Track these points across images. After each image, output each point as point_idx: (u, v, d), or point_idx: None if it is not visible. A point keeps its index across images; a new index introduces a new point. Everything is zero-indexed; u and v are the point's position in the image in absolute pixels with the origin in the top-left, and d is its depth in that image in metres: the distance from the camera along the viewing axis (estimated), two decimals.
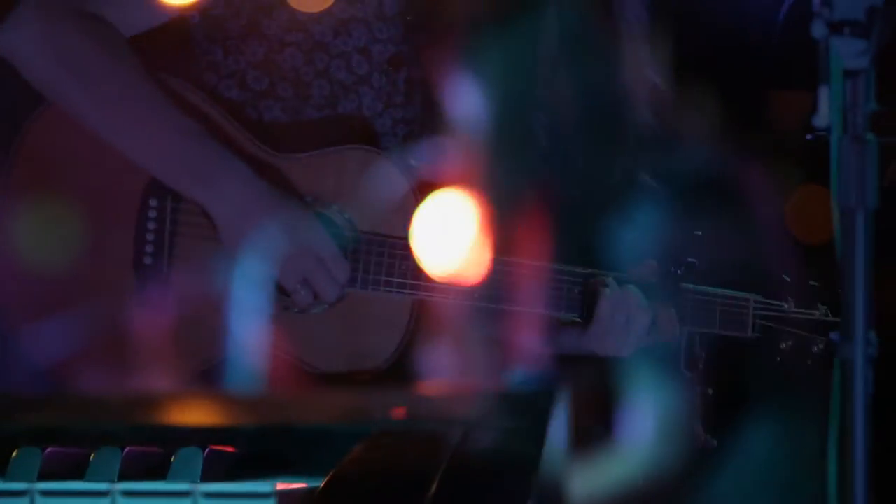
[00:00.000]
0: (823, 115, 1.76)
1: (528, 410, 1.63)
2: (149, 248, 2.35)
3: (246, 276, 2.31)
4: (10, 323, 2.38)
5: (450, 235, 2.32)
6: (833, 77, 1.74)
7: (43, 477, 1.41)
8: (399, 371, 2.34)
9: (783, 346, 2.33)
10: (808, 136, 1.81)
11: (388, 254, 2.36)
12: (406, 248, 2.34)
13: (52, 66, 2.33)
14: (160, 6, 2.36)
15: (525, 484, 1.34)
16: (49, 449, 1.43)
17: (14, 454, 1.43)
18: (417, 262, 2.34)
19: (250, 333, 2.31)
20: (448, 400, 1.70)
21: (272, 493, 1.41)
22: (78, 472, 1.41)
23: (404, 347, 2.36)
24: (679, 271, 2.35)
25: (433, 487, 1.30)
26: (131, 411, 1.64)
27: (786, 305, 2.35)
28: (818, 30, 1.72)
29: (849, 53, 1.74)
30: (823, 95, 1.75)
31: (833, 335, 1.74)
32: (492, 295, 2.36)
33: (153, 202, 2.36)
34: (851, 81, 1.75)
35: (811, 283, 2.35)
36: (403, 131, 2.46)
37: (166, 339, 2.33)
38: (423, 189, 2.35)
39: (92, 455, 1.42)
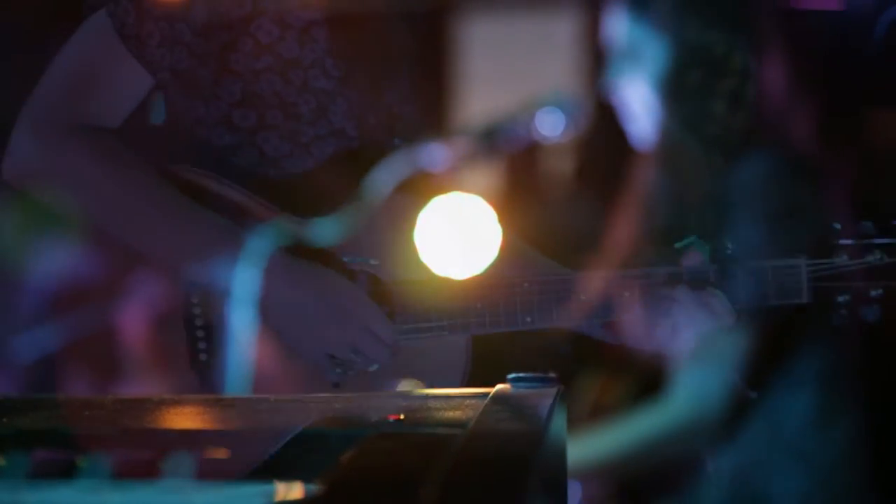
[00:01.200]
0: None
1: (525, 413, 1.62)
2: (202, 345, 2.35)
3: (299, 356, 2.33)
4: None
5: (482, 242, 2.30)
6: None
7: (30, 480, 1.38)
8: None
9: (840, 299, 2.27)
10: None
11: (427, 296, 2.35)
12: (442, 286, 2.33)
13: (57, 190, 2.33)
14: (139, 77, 2.33)
15: (522, 487, 1.32)
16: (37, 452, 1.40)
17: (1, 459, 1.40)
18: (459, 299, 2.34)
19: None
20: (444, 403, 1.68)
21: (270, 497, 1.38)
22: (66, 476, 1.39)
23: (469, 376, 2.37)
24: (728, 253, 2.33)
25: (432, 491, 1.28)
26: (122, 415, 1.62)
27: (838, 260, 2.28)
28: None
29: None
30: None
31: None
32: (540, 315, 2.36)
33: (195, 299, 2.35)
34: None
35: (865, 224, 2.28)
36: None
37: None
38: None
39: (80, 459, 1.40)
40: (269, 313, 2.29)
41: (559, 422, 1.64)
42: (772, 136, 2.71)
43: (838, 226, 2.31)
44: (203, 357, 2.36)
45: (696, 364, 2.67)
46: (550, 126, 2.64)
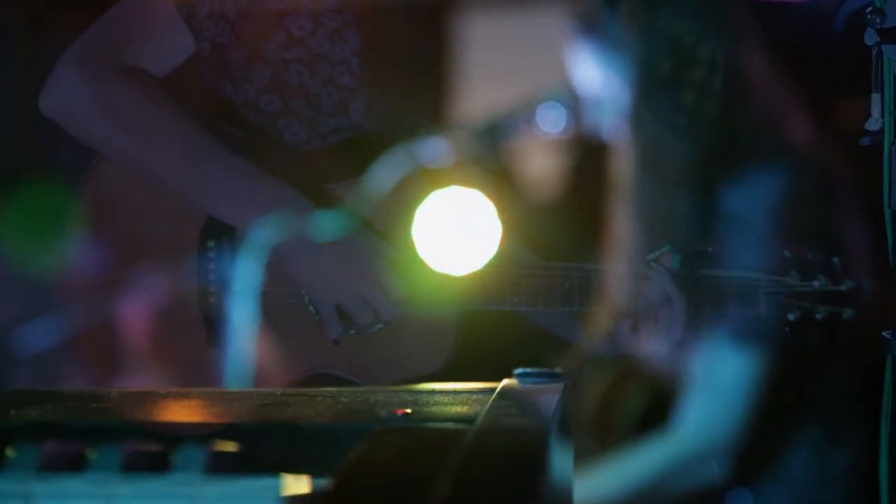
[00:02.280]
0: (876, 120, 1.78)
1: (533, 409, 1.61)
2: (212, 288, 2.43)
3: (310, 303, 2.41)
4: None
5: (481, 238, 2.35)
6: (886, 83, 1.76)
7: (40, 472, 1.38)
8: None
9: (790, 317, 2.39)
10: (865, 141, 1.83)
11: (429, 272, 2.42)
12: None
13: (99, 122, 2.38)
14: (184, 40, 2.43)
15: (533, 484, 1.32)
16: (46, 444, 1.40)
17: (11, 451, 1.39)
18: (459, 276, 2.41)
19: (314, 358, 2.43)
20: (451, 398, 1.68)
21: (279, 490, 1.38)
22: (76, 469, 1.38)
23: (454, 358, 2.46)
24: (699, 258, 2.41)
25: (443, 486, 1.27)
26: (131, 407, 1.61)
27: (790, 280, 2.40)
28: (870, 38, 1.73)
29: None
30: (875, 101, 1.76)
31: (885, 333, 1.78)
32: (529, 299, 2.44)
33: (211, 243, 2.43)
34: None
35: (810, 255, 2.41)
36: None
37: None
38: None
39: (90, 451, 1.39)
40: (290, 259, 2.36)
41: (567, 418, 1.64)
42: (772, 132, 2.72)
43: (788, 253, 2.43)
44: (213, 300, 2.43)
45: (703, 391, 2.70)
46: (552, 121, 2.64)
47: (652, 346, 2.47)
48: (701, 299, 2.42)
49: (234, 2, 2.39)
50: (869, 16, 1.75)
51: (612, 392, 2.88)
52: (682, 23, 2.69)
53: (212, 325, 2.42)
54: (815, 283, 2.39)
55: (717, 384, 2.65)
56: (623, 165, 2.74)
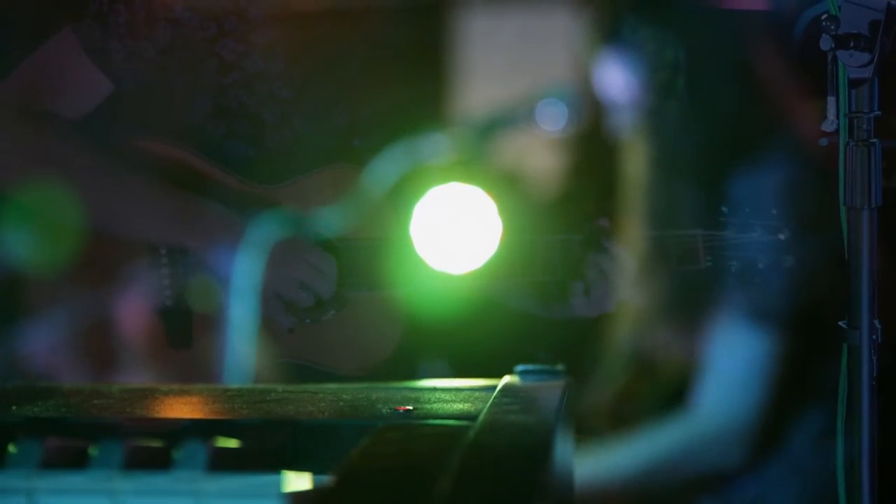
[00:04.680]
0: (831, 122, 1.84)
1: (534, 406, 1.61)
2: (167, 292, 2.45)
3: (252, 299, 2.40)
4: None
5: (480, 235, 2.38)
6: (840, 86, 1.82)
7: (43, 468, 1.38)
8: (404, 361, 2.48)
9: (732, 268, 2.48)
10: (823, 141, 1.89)
11: (373, 255, 2.45)
12: (388, 247, 2.44)
13: (17, 168, 2.41)
14: (100, 83, 2.43)
15: (535, 480, 1.32)
16: (49, 440, 1.40)
17: (13, 446, 1.39)
18: (398, 259, 2.42)
19: (276, 347, 2.45)
20: (453, 395, 1.68)
21: (281, 486, 1.38)
22: (78, 465, 1.38)
23: (406, 337, 2.48)
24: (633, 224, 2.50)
25: (446, 483, 1.27)
26: (132, 404, 1.61)
27: (726, 233, 2.49)
28: (825, 43, 1.80)
29: (854, 65, 1.81)
30: (831, 104, 1.83)
31: (841, 323, 1.82)
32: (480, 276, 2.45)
33: (163, 249, 2.45)
34: (856, 90, 1.82)
35: (746, 209, 2.49)
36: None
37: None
38: (399, 191, 2.41)
39: (92, 447, 1.39)
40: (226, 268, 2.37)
41: (569, 414, 1.64)
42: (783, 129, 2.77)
43: (725, 209, 2.51)
44: (168, 302, 2.45)
45: (721, 373, 2.72)
46: (552, 118, 2.64)
47: (602, 307, 2.51)
48: (642, 260, 2.47)
49: (152, 42, 2.40)
50: (824, 23, 1.83)
51: (627, 386, 2.90)
52: (645, 29, 2.75)
53: (170, 325, 2.44)
54: (753, 234, 2.45)
55: (733, 367, 2.68)
56: (635, 161, 2.78)
